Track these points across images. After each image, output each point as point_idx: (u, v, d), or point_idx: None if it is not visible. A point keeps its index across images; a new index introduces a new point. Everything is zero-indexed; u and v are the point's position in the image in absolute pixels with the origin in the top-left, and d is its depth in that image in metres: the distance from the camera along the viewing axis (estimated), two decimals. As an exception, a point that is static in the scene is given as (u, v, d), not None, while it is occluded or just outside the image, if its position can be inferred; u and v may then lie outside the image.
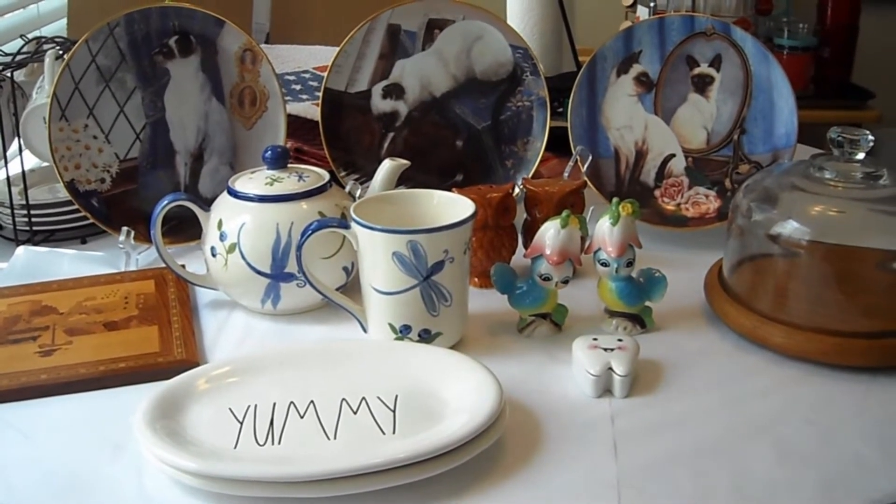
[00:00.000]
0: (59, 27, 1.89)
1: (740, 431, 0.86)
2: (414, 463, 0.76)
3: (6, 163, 1.25)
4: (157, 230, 1.05)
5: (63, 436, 0.86)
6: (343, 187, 1.17)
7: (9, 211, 1.23)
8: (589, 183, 1.24)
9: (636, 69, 1.29)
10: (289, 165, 1.08)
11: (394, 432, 0.81)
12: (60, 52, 1.31)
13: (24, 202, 1.24)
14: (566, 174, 1.23)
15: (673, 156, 1.29)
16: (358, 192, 1.14)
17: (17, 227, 1.24)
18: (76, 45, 1.18)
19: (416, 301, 0.94)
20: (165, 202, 1.04)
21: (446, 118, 1.32)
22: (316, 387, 0.87)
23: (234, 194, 1.04)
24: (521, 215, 1.16)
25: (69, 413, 0.89)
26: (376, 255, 0.94)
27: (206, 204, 1.07)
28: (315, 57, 1.62)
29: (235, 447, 0.80)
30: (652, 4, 2.42)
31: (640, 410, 0.89)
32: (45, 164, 1.32)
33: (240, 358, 0.95)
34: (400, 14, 1.29)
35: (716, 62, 1.27)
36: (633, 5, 2.49)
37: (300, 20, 1.94)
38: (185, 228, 1.16)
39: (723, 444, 0.84)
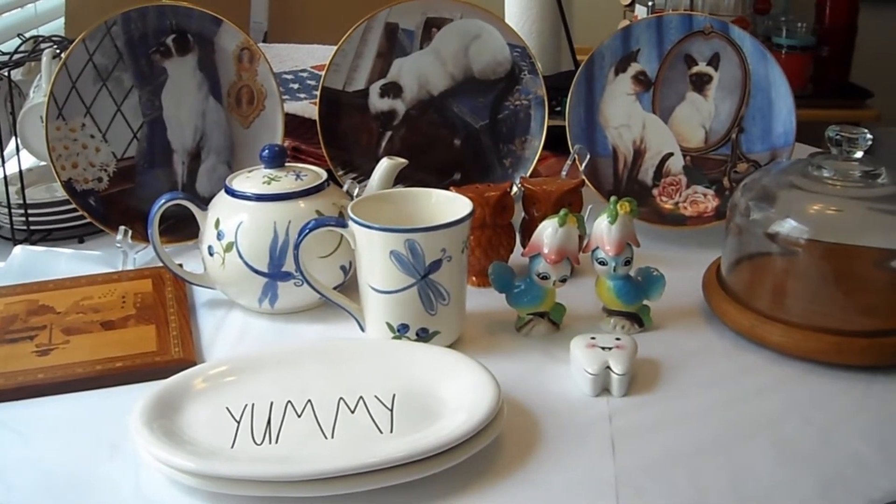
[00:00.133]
0: (56, 26, 1.89)
1: (738, 430, 0.86)
2: (411, 462, 0.76)
3: (3, 162, 1.24)
4: (154, 229, 1.05)
5: (60, 435, 0.86)
6: (341, 186, 1.17)
7: (6, 210, 1.23)
8: (587, 182, 1.24)
9: (634, 68, 1.29)
10: (286, 164, 1.08)
11: (391, 431, 0.81)
12: (58, 50, 1.31)
13: (21, 201, 1.23)
14: (564, 173, 1.23)
15: (671, 154, 1.29)
16: (356, 191, 1.14)
17: (15, 227, 1.24)
18: (73, 43, 1.18)
19: (413, 300, 0.94)
20: (163, 201, 1.04)
21: (444, 117, 1.32)
22: (313, 386, 0.87)
23: (232, 193, 1.04)
24: (518, 214, 1.16)
25: (66, 413, 0.89)
26: (374, 254, 0.94)
27: (204, 203, 1.07)
28: (313, 56, 1.61)
29: (233, 446, 0.80)
30: (650, 3, 2.42)
31: (638, 409, 0.89)
32: (43, 163, 1.32)
33: (237, 357, 0.95)
34: (398, 13, 1.29)
35: (714, 61, 1.27)
36: (632, 4, 2.49)
37: (298, 19, 1.93)
38: (182, 227, 1.15)
39: (721, 443, 0.84)
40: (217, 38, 1.25)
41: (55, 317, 1.03)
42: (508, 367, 0.93)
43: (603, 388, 0.91)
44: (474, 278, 1.11)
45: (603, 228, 0.99)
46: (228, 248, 1.02)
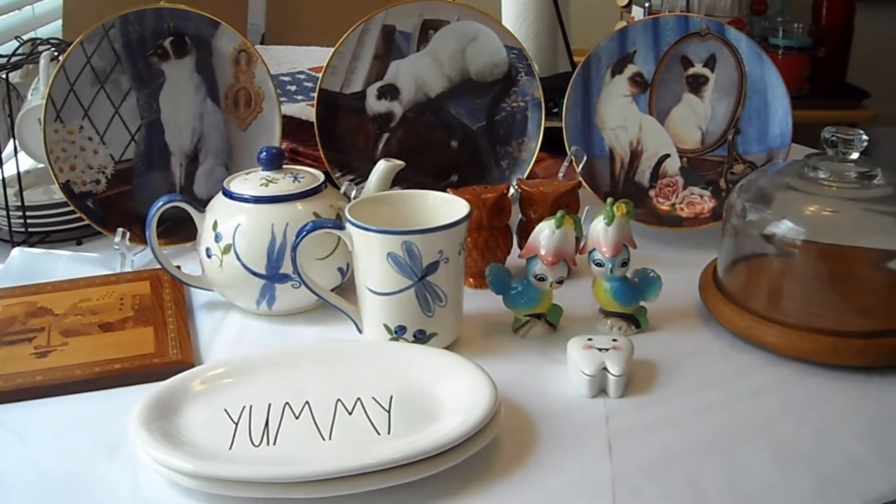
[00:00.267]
0: (54, 28, 1.88)
1: (735, 431, 0.86)
2: (409, 463, 0.76)
3: (1, 164, 1.24)
4: (152, 231, 1.05)
5: (59, 437, 0.86)
6: (338, 188, 1.17)
7: (4, 212, 1.23)
8: (584, 183, 1.24)
9: (631, 69, 1.29)
10: (284, 166, 1.08)
11: (389, 433, 0.81)
12: (55, 53, 1.31)
13: (19, 203, 1.24)
14: (561, 174, 1.23)
15: (668, 156, 1.29)
16: (353, 193, 1.14)
17: (13, 229, 1.24)
18: (71, 46, 1.18)
19: (411, 302, 0.94)
20: (161, 203, 1.04)
21: (441, 119, 1.32)
22: (311, 387, 0.87)
23: (230, 195, 1.04)
24: (515, 216, 1.16)
25: (65, 414, 0.89)
26: (371, 256, 0.94)
27: (202, 205, 1.07)
28: (310, 58, 1.61)
29: (231, 448, 0.80)
30: (647, 4, 2.42)
31: (635, 410, 0.89)
32: (41, 165, 1.32)
33: (235, 359, 0.95)
34: (394, 15, 1.29)
35: (710, 62, 1.27)
36: (629, 5, 2.49)
37: (295, 21, 1.93)
38: (180, 229, 1.15)
39: (717, 444, 0.84)
40: (214, 41, 1.25)
41: (53, 319, 1.04)
42: (505, 369, 0.93)
43: (600, 390, 0.91)
44: (471, 280, 1.11)
45: (599, 230, 1.00)
46: (226, 250, 1.02)
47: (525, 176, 1.30)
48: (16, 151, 1.28)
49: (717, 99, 1.28)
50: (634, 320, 1.02)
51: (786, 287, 1.00)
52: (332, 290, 1.03)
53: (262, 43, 1.89)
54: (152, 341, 0.99)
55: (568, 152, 1.27)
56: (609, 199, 1.00)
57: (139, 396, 0.84)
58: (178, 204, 1.05)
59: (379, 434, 0.81)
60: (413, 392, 0.86)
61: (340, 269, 1.06)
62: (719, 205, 1.24)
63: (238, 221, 1.02)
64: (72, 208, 1.20)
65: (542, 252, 0.97)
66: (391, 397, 0.85)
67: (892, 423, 0.87)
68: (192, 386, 0.87)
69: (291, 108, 1.41)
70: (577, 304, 1.05)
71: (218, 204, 1.05)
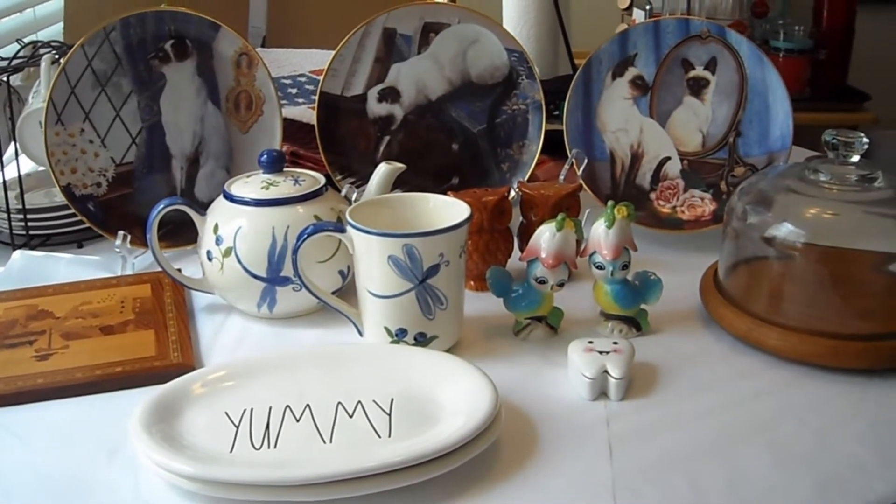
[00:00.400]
0: (55, 31, 1.89)
1: (736, 434, 0.86)
2: (410, 466, 0.76)
3: (2, 167, 1.25)
4: (153, 234, 1.05)
5: (59, 440, 0.86)
6: (339, 191, 1.17)
7: (5, 215, 1.23)
8: (584, 186, 1.24)
9: (631, 72, 1.29)
10: (285, 169, 1.08)
11: (389, 436, 0.81)
12: (56, 56, 1.31)
13: (20, 206, 1.24)
14: (562, 177, 1.24)
15: (668, 159, 1.29)
16: (354, 196, 1.14)
17: (14, 232, 1.24)
18: (72, 49, 1.18)
19: (411, 304, 0.94)
20: (161, 206, 1.04)
21: (442, 122, 1.32)
22: (312, 390, 0.87)
23: (230, 198, 1.04)
24: (516, 218, 1.16)
25: (66, 417, 0.89)
26: (372, 259, 0.94)
27: (203, 208, 1.07)
28: (311, 60, 1.62)
29: (231, 451, 0.80)
30: (648, 7, 2.42)
31: (636, 413, 0.89)
32: (42, 168, 1.32)
33: (236, 362, 0.95)
34: (395, 18, 1.29)
35: (711, 65, 1.27)
36: (630, 8, 2.50)
37: (296, 24, 1.94)
38: (181, 232, 1.16)
39: (718, 447, 0.84)
40: (215, 44, 1.25)
41: (54, 322, 1.04)
42: (506, 372, 0.93)
43: (600, 392, 0.91)
44: (472, 283, 1.11)
45: (600, 232, 1.00)
46: (227, 253, 1.02)
47: (526, 179, 1.30)
48: (17, 154, 1.28)
49: (718, 102, 1.28)
50: (635, 323, 1.02)
51: (786, 290, 1.00)
52: (333, 292, 1.03)
53: (263, 46, 1.89)
54: (153, 344, 0.99)
55: (569, 155, 1.27)
56: (610, 202, 1.00)
57: (140, 399, 0.85)
58: (178, 207, 1.05)
59: (380, 437, 0.81)
60: (414, 395, 0.86)
61: (341, 272, 1.06)
62: (720, 207, 1.24)
63: (239, 224, 1.02)
64: (73, 211, 1.20)
65: (543, 255, 0.97)
66: (392, 400, 0.85)
67: (892, 426, 0.87)
68: (192, 389, 0.87)
69: (292, 111, 1.41)
70: (578, 307, 1.05)
71: (219, 207, 1.05)
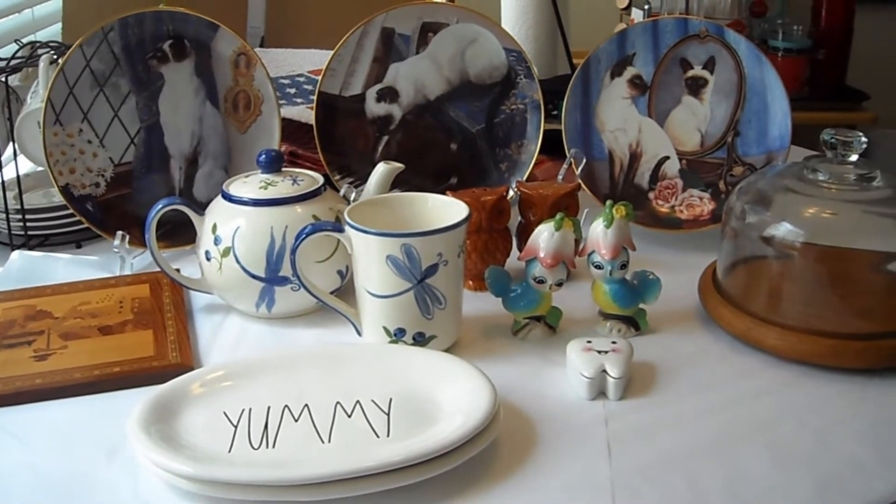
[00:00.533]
0: (53, 31, 1.89)
1: (735, 433, 0.86)
2: (408, 466, 0.76)
3: (0, 168, 1.24)
4: (151, 234, 1.05)
5: (58, 440, 0.86)
6: (337, 191, 1.17)
7: (3, 216, 1.23)
8: (583, 185, 1.24)
9: (630, 72, 1.29)
10: (283, 169, 1.08)
11: (388, 435, 0.81)
12: (55, 56, 1.31)
13: (18, 207, 1.24)
14: (560, 177, 1.24)
15: (667, 158, 1.29)
16: (352, 196, 1.14)
17: (12, 232, 1.24)
18: (70, 49, 1.18)
19: (410, 304, 0.94)
20: (160, 206, 1.04)
21: (440, 121, 1.32)
22: (310, 390, 0.87)
23: (229, 198, 1.04)
24: (515, 218, 1.16)
25: (64, 417, 0.89)
26: (370, 259, 0.94)
27: (201, 208, 1.07)
28: (310, 60, 1.62)
29: (230, 451, 0.80)
30: (647, 7, 2.42)
31: (635, 413, 0.89)
32: (40, 168, 1.32)
33: (234, 362, 0.95)
34: (394, 17, 1.29)
35: (709, 64, 1.27)
36: (628, 7, 2.50)
37: (295, 24, 1.94)
38: (179, 232, 1.15)
39: (717, 446, 0.84)
40: (214, 44, 1.25)
41: (53, 322, 1.04)
42: (505, 371, 0.93)
43: (599, 392, 0.91)
44: (471, 282, 1.11)
45: (599, 232, 1.00)
46: (225, 252, 1.02)
47: (524, 178, 1.30)
48: (15, 155, 1.27)
49: (717, 101, 1.28)
50: (634, 322, 1.02)
51: (785, 289, 1.00)
52: (332, 292, 1.03)
53: (261, 46, 1.90)
54: (152, 344, 0.99)
55: (567, 154, 1.27)
56: (608, 202, 1.00)
57: (138, 399, 0.84)
58: (177, 207, 1.05)
59: (378, 437, 0.81)
60: (412, 395, 0.86)
61: (340, 272, 1.06)
62: (719, 207, 1.24)
63: (237, 224, 1.02)
64: (71, 211, 1.20)
65: (542, 254, 0.97)
66: (390, 400, 0.85)
67: (891, 425, 0.87)
68: (191, 389, 0.87)
69: (291, 111, 1.41)
70: (577, 307, 1.05)
71: (217, 207, 1.05)
